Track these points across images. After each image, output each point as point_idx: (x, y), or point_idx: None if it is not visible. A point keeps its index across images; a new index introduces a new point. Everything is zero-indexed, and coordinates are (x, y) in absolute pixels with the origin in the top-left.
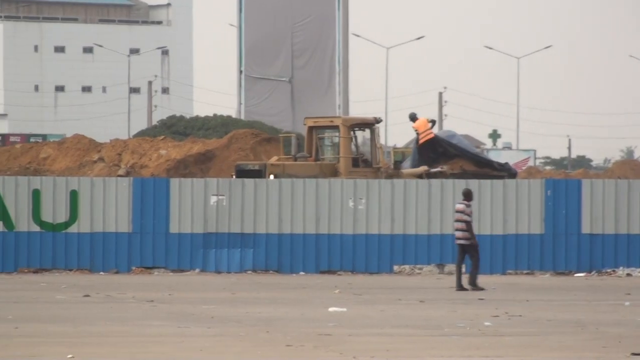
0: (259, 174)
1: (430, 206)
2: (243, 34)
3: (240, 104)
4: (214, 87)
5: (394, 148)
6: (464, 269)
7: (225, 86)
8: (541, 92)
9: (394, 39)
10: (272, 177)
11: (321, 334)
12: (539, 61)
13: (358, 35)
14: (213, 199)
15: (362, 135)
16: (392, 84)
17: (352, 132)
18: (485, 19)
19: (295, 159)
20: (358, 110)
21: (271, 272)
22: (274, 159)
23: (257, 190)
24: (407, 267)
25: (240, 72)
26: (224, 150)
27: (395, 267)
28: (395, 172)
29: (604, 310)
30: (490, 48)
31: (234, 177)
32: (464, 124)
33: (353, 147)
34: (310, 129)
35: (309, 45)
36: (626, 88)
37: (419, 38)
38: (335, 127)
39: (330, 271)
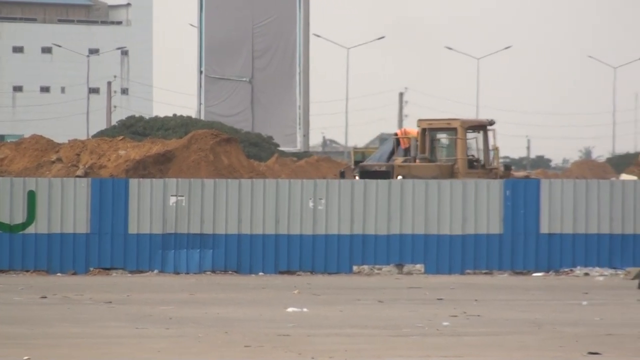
0: (386, 175)
1: (389, 206)
2: (203, 34)
3: (200, 104)
4: (173, 88)
5: (354, 148)
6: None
7: (185, 86)
8: (501, 92)
9: (355, 39)
10: (399, 177)
11: (280, 334)
12: (498, 62)
13: (319, 36)
14: (172, 200)
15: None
16: (352, 84)
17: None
18: (445, 19)
19: (415, 161)
20: (318, 110)
21: (230, 272)
22: (399, 161)
23: (216, 191)
24: (366, 267)
25: (201, 72)
26: (183, 151)
27: (355, 268)
28: (506, 173)
29: (562, 310)
30: (450, 49)
31: (356, 178)
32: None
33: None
34: (424, 130)
35: (269, 46)
36: (585, 88)
37: (379, 38)
38: (453, 129)
39: (289, 271)
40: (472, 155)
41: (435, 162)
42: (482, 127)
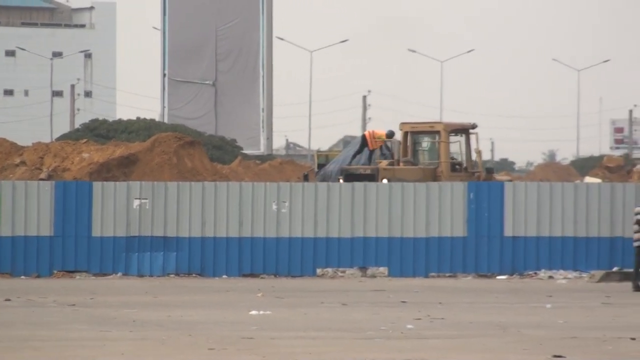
0: (371, 178)
1: (353, 209)
2: (167, 37)
3: (164, 107)
4: (137, 91)
5: (318, 151)
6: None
7: (148, 90)
8: (464, 95)
9: (319, 43)
10: (385, 181)
11: (244, 337)
12: (462, 64)
13: (282, 39)
14: (136, 203)
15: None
16: (316, 88)
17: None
18: (409, 22)
19: (398, 164)
20: (282, 113)
21: (194, 275)
22: (384, 164)
23: (180, 194)
24: (330, 270)
25: (164, 75)
26: (147, 154)
27: (318, 270)
28: (488, 176)
29: (526, 313)
30: (414, 51)
31: (341, 181)
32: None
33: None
34: (406, 133)
35: (233, 49)
36: (549, 91)
37: (343, 41)
38: (436, 133)
39: (253, 274)
40: (454, 158)
41: (419, 165)
42: (464, 130)
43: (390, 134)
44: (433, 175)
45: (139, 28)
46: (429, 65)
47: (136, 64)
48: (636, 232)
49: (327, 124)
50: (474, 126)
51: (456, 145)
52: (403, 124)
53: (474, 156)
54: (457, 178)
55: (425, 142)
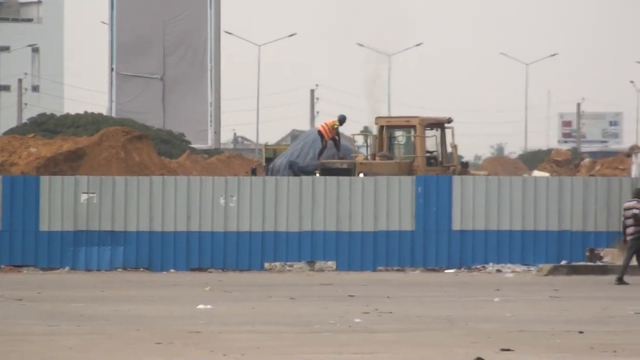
0: (348, 172)
1: (301, 203)
2: (114, 31)
3: (112, 101)
4: (85, 85)
5: (266, 145)
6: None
7: (96, 84)
8: (411, 89)
9: (267, 37)
10: (361, 175)
11: (191, 331)
12: (410, 58)
13: (230, 33)
14: (84, 197)
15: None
16: (264, 81)
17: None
18: (357, 16)
19: (374, 158)
20: (230, 107)
21: (141, 269)
22: (360, 158)
23: (127, 188)
24: (278, 264)
25: (112, 69)
26: (94, 148)
27: (266, 265)
28: (464, 170)
29: (474, 307)
30: (362, 45)
31: (317, 175)
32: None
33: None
34: (382, 128)
35: (180, 43)
36: (496, 85)
37: (290, 35)
38: (411, 127)
39: (201, 269)
40: (430, 152)
41: (394, 159)
42: (440, 124)
43: (342, 119)
44: (409, 169)
45: (87, 22)
46: (378, 59)
47: (84, 58)
48: (628, 226)
49: (275, 117)
50: (449, 120)
51: (432, 139)
52: (378, 118)
53: (449, 150)
54: (432, 172)
55: (401, 137)
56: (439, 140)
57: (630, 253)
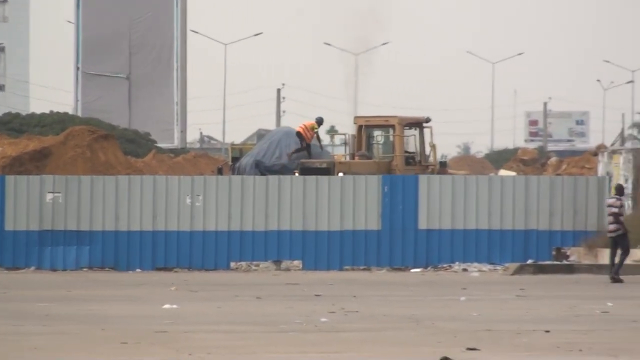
0: (327, 172)
1: (267, 202)
2: (80, 30)
3: (77, 100)
4: (50, 84)
5: (232, 144)
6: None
7: (62, 83)
8: (377, 88)
9: (233, 36)
10: (341, 174)
11: (157, 331)
12: (375, 58)
13: (196, 32)
14: (49, 196)
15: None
16: (230, 81)
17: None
18: (323, 15)
19: (353, 157)
20: (196, 106)
21: (107, 269)
22: (339, 157)
23: (93, 188)
24: (244, 263)
25: (77, 68)
26: (60, 148)
27: (232, 264)
28: (442, 170)
29: (440, 306)
30: (329, 44)
31: (296, 174)
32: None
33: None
34: (361, 127)
35: (147, 42)
36: (461, 84)
37: (257, 34)
38: (390, 126)
39: (166, 268)
40: (408, 152)
41: (373, 158)
42: (419, 124)
43: (320, 121)
44: (388, 169)
45: (52, 21)
46: (343, 58)
47: (50, 57)
48: (610, 223)
49: (242, 117)
50: (427, 120)
51: (410, 139)
52: (357, 117)
53: (427, 150)
54: (411, 171)
55: (380, 136)
56: (417, 139)
57: (614, 250)
